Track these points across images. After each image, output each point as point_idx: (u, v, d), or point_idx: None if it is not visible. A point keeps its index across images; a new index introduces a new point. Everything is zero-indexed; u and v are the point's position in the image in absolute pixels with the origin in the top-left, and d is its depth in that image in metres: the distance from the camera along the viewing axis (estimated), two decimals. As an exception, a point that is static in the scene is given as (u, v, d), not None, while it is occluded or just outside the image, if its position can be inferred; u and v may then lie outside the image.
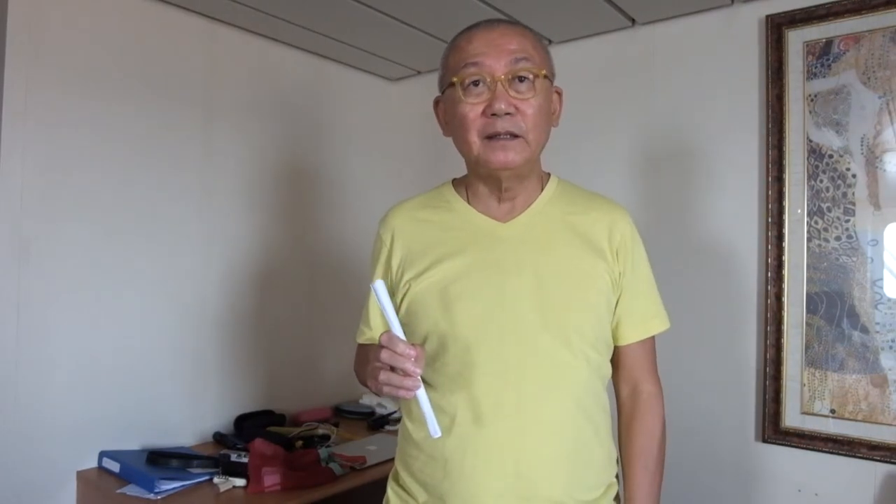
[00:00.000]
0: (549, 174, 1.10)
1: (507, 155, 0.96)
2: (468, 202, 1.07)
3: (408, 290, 1.04)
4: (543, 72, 0.98)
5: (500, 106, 0.94)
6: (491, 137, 0.96)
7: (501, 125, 0.95)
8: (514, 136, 0.96)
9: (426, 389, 1.00)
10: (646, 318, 1.07)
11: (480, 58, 0.96)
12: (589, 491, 0.99)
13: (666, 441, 1.08)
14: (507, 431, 0.96)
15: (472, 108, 0.96)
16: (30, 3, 1.59)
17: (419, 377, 0.88)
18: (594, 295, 1.01)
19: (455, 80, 0.97)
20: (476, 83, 0.96)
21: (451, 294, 1.00)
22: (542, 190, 1.07)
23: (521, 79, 0.95)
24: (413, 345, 0.88)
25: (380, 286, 0.88)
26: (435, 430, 0.90)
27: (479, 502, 0.95)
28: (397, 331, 0.89)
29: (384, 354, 0.88)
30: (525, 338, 0.97)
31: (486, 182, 1.03)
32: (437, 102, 1.07)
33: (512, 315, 0.97)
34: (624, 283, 1.04)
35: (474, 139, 0.97)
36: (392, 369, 0.88)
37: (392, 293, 1.08)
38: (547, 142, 1.03)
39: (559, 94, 1.05)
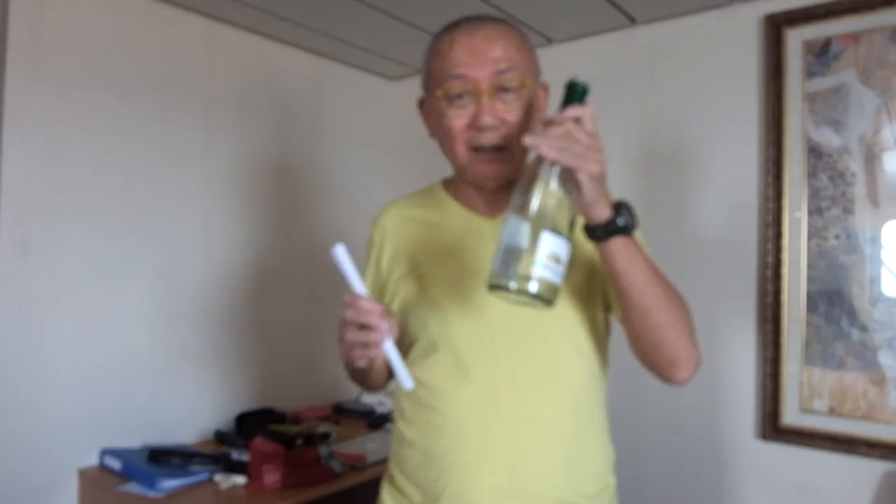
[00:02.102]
0: None
1: (494, 167, 0.96)
2: (456, 200, 1.06)
3: (397, 289, 1.04)
4: (529, 79, 0.96)
5: (486, 120, 0.93)
6: (477, 149, 0.95)
7: (487, 138, 0.94)
8: (501, 148, 0.95)
9: (417, 385, 0.99)
10: None
11: (464, 69, 0.94)
12: (585, 488, 0.98)
13: (684, 307, 0.95)
14: (502, 429, 0.95)
15: (458, 120, 0.95)
16: (31, 1, 1.59)
17: (385, 330, 0.87)
18: (585, 285, 0.99)
19: (439, 93, 0.96)
20: (461, 96, 0.95)
21: (439, 292, 1.00)
22: None
23: (507, 89, 0.94)
24: (377, 301, 0.89)
25: (340, 250, 0.87)
26: (407, 381, 0.90)
27: (474, 500, 0.94)
28: (360, 291, 0.89)
29: (349, 313, 0.88)
30: (517, 334, 0.96)
31: (474, 186, 1.03)
32: (421, 102, 1.05)
33: (502, 311, 0.94)
34: None
35: (461, 150, 0.97)
36: (360, 329, 0.87)
37: (382, 293, 1.08)
38: None
39: (545, 88, 1.04)
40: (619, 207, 0.82)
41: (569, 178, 0.78)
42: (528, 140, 0.78)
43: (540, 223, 0.77)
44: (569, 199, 0.79)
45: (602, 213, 0.81)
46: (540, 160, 0.79)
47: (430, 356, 1.00)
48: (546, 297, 0.77)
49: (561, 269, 0.78)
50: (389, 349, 0.89)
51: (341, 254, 0.87)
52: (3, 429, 1.55)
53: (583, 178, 0.77)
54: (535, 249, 0.76)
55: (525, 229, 0.77)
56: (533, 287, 0.76)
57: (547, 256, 0.76)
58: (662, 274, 0.90)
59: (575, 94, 0.81)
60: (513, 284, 0.76)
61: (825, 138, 1.67)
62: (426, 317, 1.00)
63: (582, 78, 0.81)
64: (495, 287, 0.77)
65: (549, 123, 0.79)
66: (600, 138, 0.79)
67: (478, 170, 0.97)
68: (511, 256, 0.77)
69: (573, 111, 0.79)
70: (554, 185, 0.78)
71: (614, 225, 0.82)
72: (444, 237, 1.04)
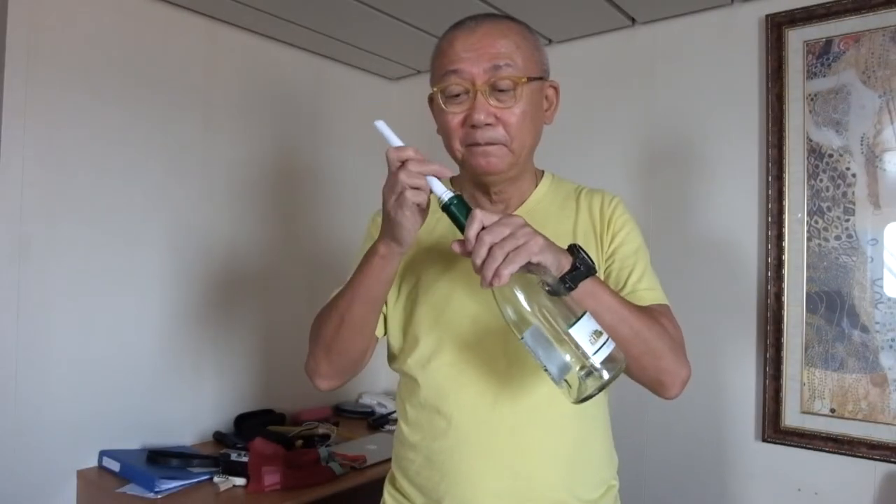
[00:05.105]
0: (542, 171, 1.09)
1: (490, 161, 0.95)
2: None
3: (398, 295, 1.04)
4: (526, 78, 0.94)
5: (479, 117, 0.92)
6: (472, 144, 0.95)
7: (481, 135, 0.93)
8: (497, 142, 0.94)
9: (417, 387, 1.00)
10: (633, 292, 0.99)
11: (460, 64, 0.93)
12: (589, 490, 0.98)
13: (663, 329, 0.93)
14: (505, 431, 0.95)
15: (454, 117, 0.95)
16: (30, 2, 1.59)
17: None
18: None
19: (436, 89, 0.96)
20: (457, 93, 0.94)
21: (442, 296, 0.99)
22: (536, 187, 1.06)
23: (502, 89, 0.93)
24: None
25: (381, 123, 0.89)
26: (447, 193, 0.84)
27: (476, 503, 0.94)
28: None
29: (412, 166, 0.86)
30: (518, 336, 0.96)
31: (476, 185, 1.02)
32: (431, 99, 1.05)
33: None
34: (611, 264, 1.01)
35: (457, 146, 0.97)
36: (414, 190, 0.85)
37: None
38: (538, 141, 1.01)
39: (555, 89, 1.02)
40: (572, 252, 0.83)
41: (530, 270, 0.78)
42: (484, 287, 0.77)
43: (555, 328, 0.75)
44: (544, 280, 0.78)
45: (565, 264, 0.82)
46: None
47: (433, 359, 0.99)
48: (620, 365, 0.76)
49: (605, 334, 0.76)
50: (432, 180, 0.86)
51: (383, 125, 0.89)
52: (3, 429, 1.55)
53: (537, 258, 0.77)
54: (577, 348, 0.74)
55: (551, 341, 0.75)
56: (606, 374, 0.74)
57: (588, 342, 0.74)
58: (632, 304, 0.90)
59: (457, 211, 0.81)
60: (591, 387, 0.75)
61: (826, 139, 1.67)
62: (430, 323, 1.00)
63: (445, 195, 0.81)
64: (583, 400, 0.76)
65: (469, 254, 0.78)
66: (505, 218, 0.79)
67: (473, 163, 0.96)
68: (566, 370, 0.75)
69: (473, 228, 0.78)
70: (527, 285, 0.77)
71: (578, 271, 0.82)
72: (445, 238, 1.03)
